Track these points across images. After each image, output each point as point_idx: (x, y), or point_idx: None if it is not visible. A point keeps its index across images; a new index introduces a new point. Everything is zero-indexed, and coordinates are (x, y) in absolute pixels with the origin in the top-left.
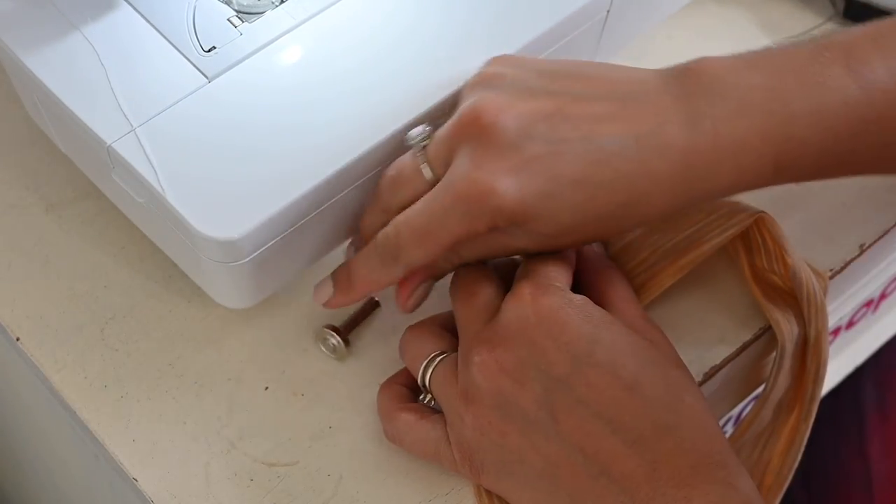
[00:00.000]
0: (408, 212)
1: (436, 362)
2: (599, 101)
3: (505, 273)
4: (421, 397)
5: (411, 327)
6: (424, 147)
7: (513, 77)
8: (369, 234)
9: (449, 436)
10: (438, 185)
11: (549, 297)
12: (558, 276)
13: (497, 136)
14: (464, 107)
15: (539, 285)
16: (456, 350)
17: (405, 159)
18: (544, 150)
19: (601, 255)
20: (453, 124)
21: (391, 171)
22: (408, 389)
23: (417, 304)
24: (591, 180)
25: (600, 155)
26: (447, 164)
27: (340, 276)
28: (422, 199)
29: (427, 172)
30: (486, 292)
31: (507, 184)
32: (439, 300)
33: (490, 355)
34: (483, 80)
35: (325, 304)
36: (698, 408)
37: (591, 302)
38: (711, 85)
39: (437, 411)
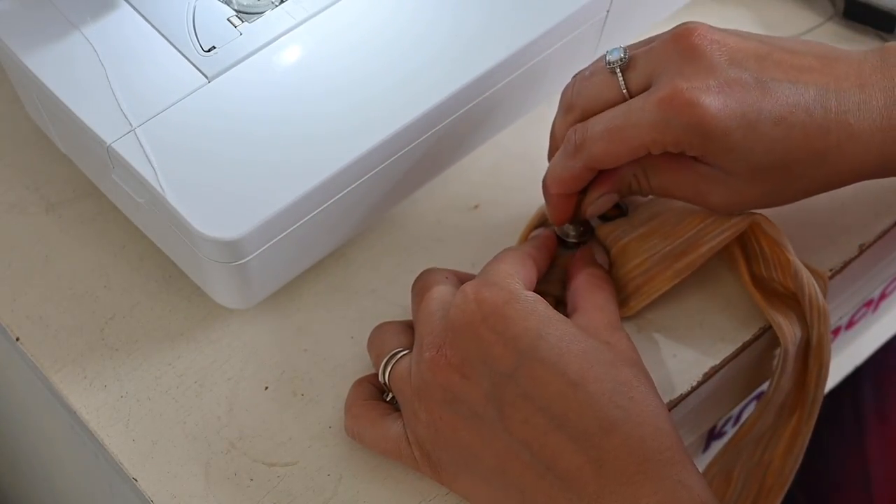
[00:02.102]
0: (603, 112)
1: (395, 359)
2: (806, 56)
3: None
4: (384, 395)
5: (377, 325)
6: (621, 66)
7: (723, 29)
8: (559, 138)
9: (407, 433)
10: (640, 95)
11: (494, 292)
12: (512, 274)
13: (708, 58)
14: (676, 28)
15: (486, 282)
16: None
17: (598, 72)
18: (752, 82)
19: (591, 262)
20: (663, 41)
21: (584, 76)
22: (376, 388)
23: (597, 213)
24: (790, 120)
25: (801, 99)
26: (646, 84)
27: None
28: (619, 105)
29: (622, 86)
30: (440, 290)
31: (711, 100)
32: None
33: (438, 351)
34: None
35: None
36: (648, 405)
37: (541, 299)
38: None
39: (398, 409)
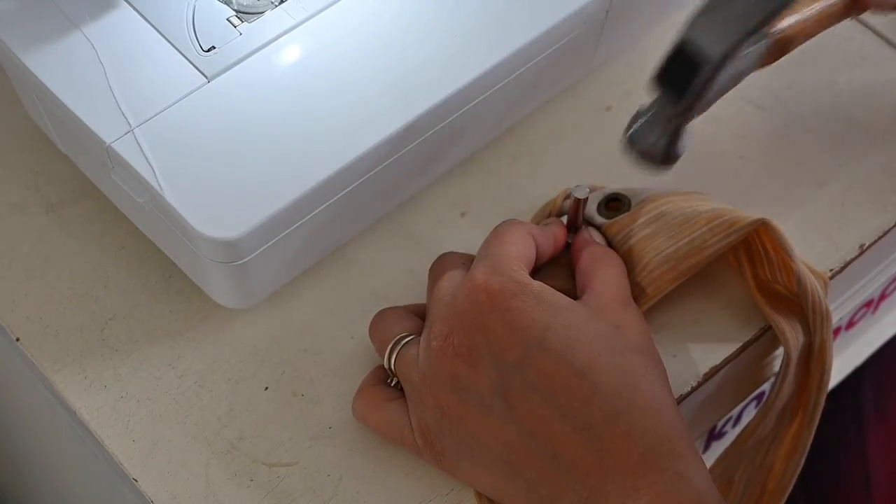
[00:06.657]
0: None
1: (401, 345)
2: None
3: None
4: (388, 380)
5: (379, 311)
6: None
7: None
8: None
9: (410, 418)
10: None
11: (502, 283)
12: (517, 258)
13: None
14: None
15: (493, 270)
16: (421, 333)
17: None
18: None
19: (593, 241)
20: None
21: None
22: (386, 373)
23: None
24: None
25: None
26: None
27: None
28: None
29: None
30: (453, 275)
31: None
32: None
33: (446, 341)
34: None
35: None
36: (654, 395)
37: (548, 288)
38: None
39: (403, 394)
